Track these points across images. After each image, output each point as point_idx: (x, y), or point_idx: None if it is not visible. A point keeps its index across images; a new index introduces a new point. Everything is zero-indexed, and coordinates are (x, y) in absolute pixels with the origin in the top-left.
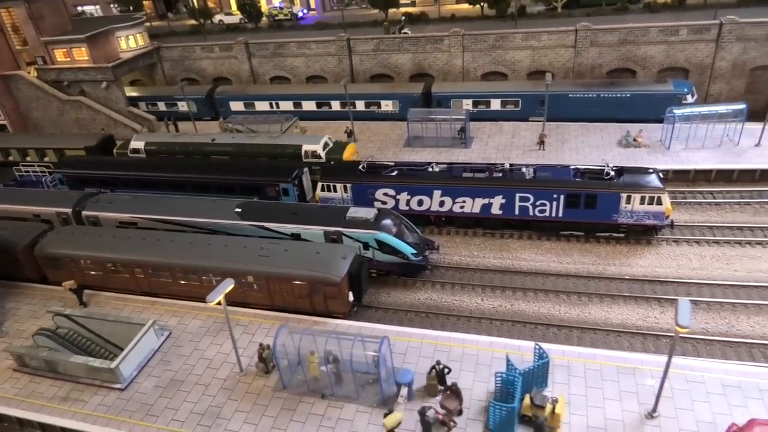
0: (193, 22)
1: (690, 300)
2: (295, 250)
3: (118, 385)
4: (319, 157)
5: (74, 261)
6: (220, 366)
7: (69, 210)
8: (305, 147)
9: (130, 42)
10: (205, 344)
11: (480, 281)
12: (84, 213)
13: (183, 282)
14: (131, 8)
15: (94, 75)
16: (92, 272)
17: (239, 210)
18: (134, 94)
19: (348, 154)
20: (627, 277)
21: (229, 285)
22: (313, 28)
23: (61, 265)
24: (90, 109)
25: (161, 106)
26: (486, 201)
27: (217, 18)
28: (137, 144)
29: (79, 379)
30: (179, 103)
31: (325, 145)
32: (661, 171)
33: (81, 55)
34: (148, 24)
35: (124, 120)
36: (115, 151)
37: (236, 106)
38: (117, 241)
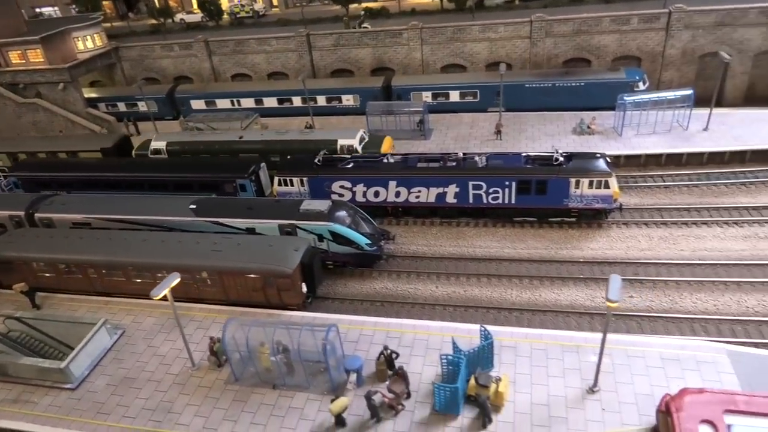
0: (153, 22)
1: (636, 279)
2: (248, 244)
3: (68, 385)
4: (356, 151)
5: (26, 264)
6: (173, 362)
7: (22, 212)
8: (341, 141)
9: (87, 43)
10: (158, 341)
11: (435, 269)
12: (37, 215)
13: (137, 280)
14: (89, 9)
15: (50, 77)
16: (46, 274)
17: (194, 207)
18: (93, 95)
19: (386, 147)
20: (578, 260)
21: (174, 279)
22: (274, 24)
23: (13, 268)
24: (47, 111)
25: (121, 107)
26: (441, 190)
27: (178, 17)
28: (158, 144)
29: (29, 380)
30: (139, 103)
31: (362, 138)
32: (613, 156)
33: (36, 56)
34: (108, 25)
35: (82, 122)
36: (134, 152)
37: (197, 104)
38: (69, 241)
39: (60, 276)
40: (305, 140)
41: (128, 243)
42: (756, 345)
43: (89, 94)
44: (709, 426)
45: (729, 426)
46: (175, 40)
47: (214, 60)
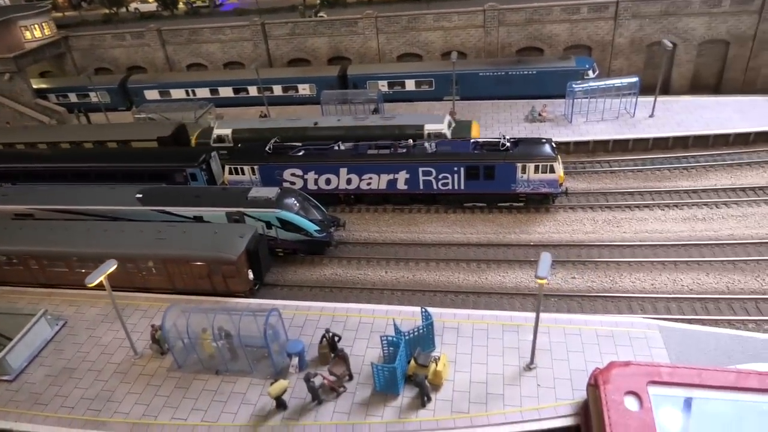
0: (106, 11)
1: (579, 261)
2: (193, 232)
3: (6, 377)
4: (445, 137)
5: None
6: (115, 351)
7: None
8: (428, 127)
9: (35, 32)
10: (101, 331)
11: (385, 255)
12: None
13: (81, 271)
14: None
15: None
16: None
17: (140, 196)
18: (43, 85)
19: (475, 132)
20: (525, 244)
21: (110, 266)
22: (231, 14)
23: None
24: None
25: (72, 98)
26: (391, 176)
27: (132, 6)
28: (222, 131)
29: None
30: (91, 94)
31: (449, 123)
32: (563, 143)
33: None
34: (60, 14)
35: (31, 113)
36: (193, 141)
37: (151, 94)
38: (8, 233)
39: (0, 268)
40: (387, 125)
41: (70, 233)
42: (689, 321)
43: (38, 84)
44: (634, 397)
45: (652, 396)
46: (128, 29)
47: (168, 49)
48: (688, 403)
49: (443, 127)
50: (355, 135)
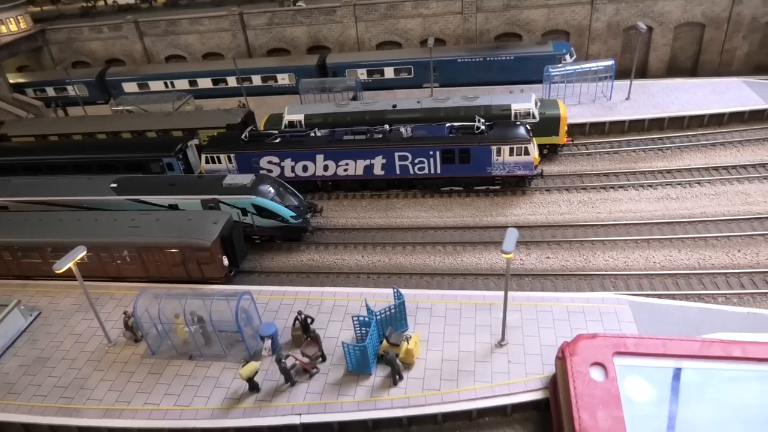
0: (83, 4)
1: (553, 241)
2: (167, 220)
3: None
4: (534, 116)
5: None
6: (89, 340)
7: None
8: (515, 106)
9: (10, 26)
10: (75, 321)
11: (362, 240)
12: None
13: (54, 261)
14: None
15: None
16: None
17: (114, 185)
18: (20, 80)
19: (563, 111)
20: (500, 226)
21: (79, 252)
22: (210, 4)
23: None
24: None
25: (50, 92)
26: (368, 162)
27: None
28: (294, 116)
29: None
30: (69, 88)
31: (536, 102)
32: None
33: None
34: (37, 9)
35: (8, 107)
36: (261, 126)
37: (130, 87)
38: None
39: None
40: (471, 106)
41: (44, 224)
42: (660, 296)
43: (15, 79)
44: (600, 368)
45: (618, 366)
46: (105, 21)
47: (146, 41)
48: (652, 372)
49: (531, 106)
50: (437, 117)
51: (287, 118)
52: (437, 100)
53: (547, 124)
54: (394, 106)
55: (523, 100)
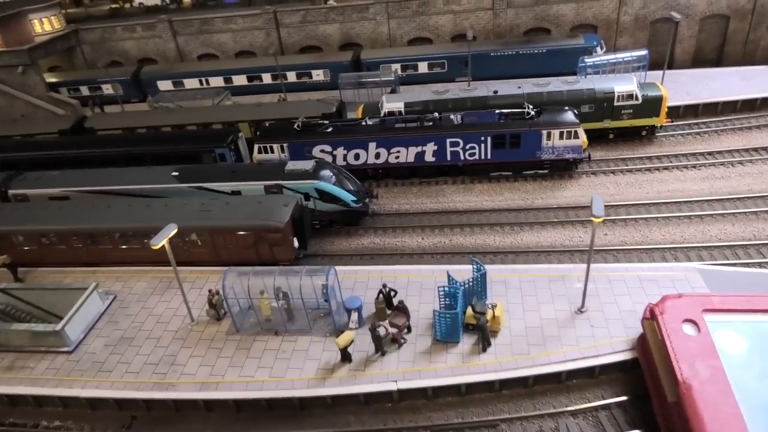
0: (112, 6)
1: (608, 219)
2: (237, 203)
3: (65, 349)
4: (636, 98)
5: (5, 237)
6: (171, 320)
7: None
8: (617, 89)
9: (45, 25)
10: (152, 303)
11: (419, 223)
12: (10, 192)
13: (124, 247)
14: None
15: (8, 59)
16: (26, 248)
17: (177, 174)
18: (54, 79)
19: (665, 92)
20: (554, 207)
21: (172, 229)
22: (238, 5)
23: None
24: (6, 95)
25: (84, 91)
26: (419, 149)
27: (136, 0)
28: (393, 105)
29: (22, 348)
30: (103, 86)
31: (638, 85)
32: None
33: None
34: (63, 11)
35: (45, 105)
36: (358, 114)
37: (164, 85)
38: (49, 212)
39: (42, 249)
40: (574, 90)
41: (112, 210)
42: (723, 266)
43: (50, 78)
44: (691, 324)
45: (708, 322)
46: (138, 21)
47: (179, 40)
48: (742, 326)
49: (634, 88)
50: (539, 101)
51: (387, 107)
52: (538, 84)
53: (650, 106)
54: (495, 91)
55: (626, 82)
